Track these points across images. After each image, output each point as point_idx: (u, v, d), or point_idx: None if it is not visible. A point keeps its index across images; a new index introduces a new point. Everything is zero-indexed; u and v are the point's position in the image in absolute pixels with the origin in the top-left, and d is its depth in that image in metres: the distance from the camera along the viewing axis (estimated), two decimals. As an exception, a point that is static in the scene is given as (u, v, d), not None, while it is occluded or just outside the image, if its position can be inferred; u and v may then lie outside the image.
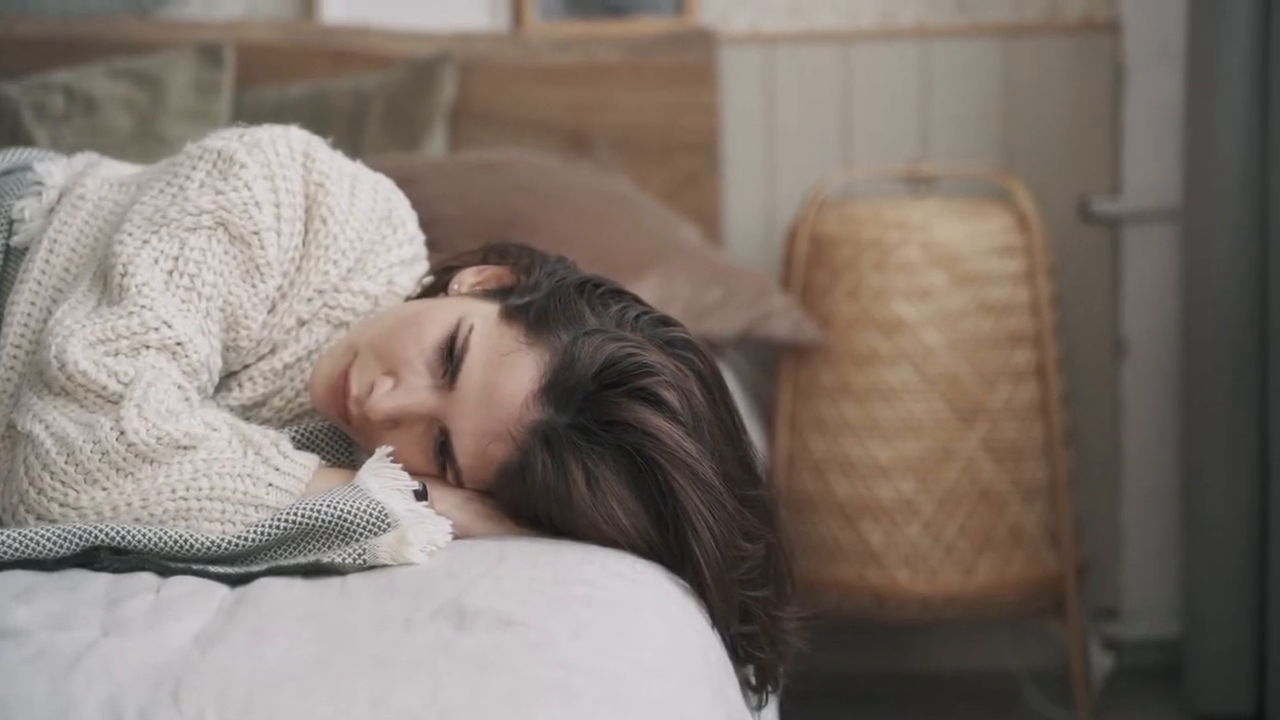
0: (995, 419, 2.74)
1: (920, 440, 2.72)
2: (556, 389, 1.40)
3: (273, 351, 1.55)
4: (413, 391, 1.44)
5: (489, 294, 1.50)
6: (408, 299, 1.57)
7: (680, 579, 1.41)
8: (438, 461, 1.44)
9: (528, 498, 1.41)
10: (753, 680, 1.48)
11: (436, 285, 1.57)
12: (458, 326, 1.44)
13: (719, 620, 1.41)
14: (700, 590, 1.40)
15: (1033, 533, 2.77)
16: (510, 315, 1.45)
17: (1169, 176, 2.91)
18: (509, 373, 1.41)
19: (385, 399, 1.43)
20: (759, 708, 1.49)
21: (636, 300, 1.49)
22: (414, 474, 1.44)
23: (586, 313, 1.44)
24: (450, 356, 1.43)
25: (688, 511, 1.38)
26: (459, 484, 1.44)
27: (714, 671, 1.32)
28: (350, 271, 1.56)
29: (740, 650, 1.45)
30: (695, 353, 1.46)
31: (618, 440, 1.38)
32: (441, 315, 1.47)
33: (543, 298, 1.46)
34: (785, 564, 1.48)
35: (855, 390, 2.74)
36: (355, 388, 1.45)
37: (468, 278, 1.54)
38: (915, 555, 2.72)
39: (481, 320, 1.45)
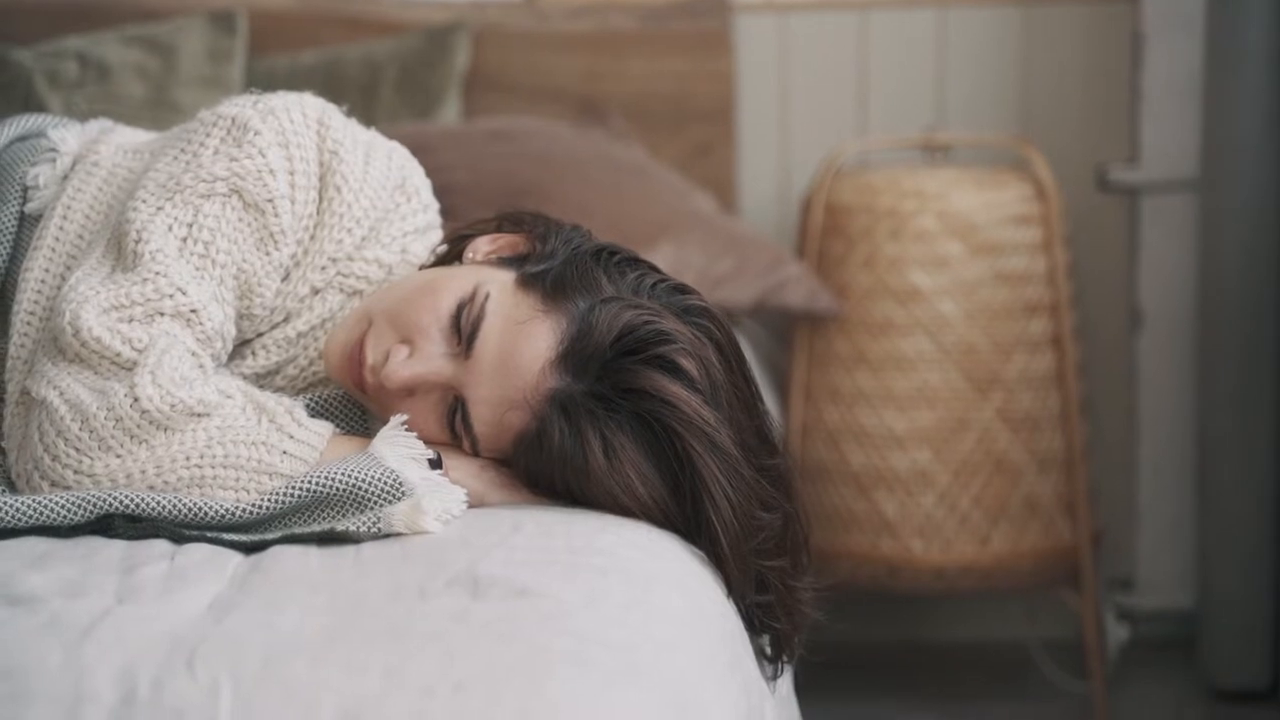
0: (1011, 389, 2.73)
1: (935, 410, 2.71)
2: (574, 356, 1.39)
3: (286, 320, 1.55)
4: (429, 359, 1.43)
5: (504, 262, 1.50)
6: (422, 267, 1.56)
7: (697, 549, 1.41)
8: (453, 430, 1.44)
9: (545, 466, 1.41)
10: (768, 650, 1.48)
11: (451, 254, 1.56)
12: (473, 294, 1.44)
13: (735, 590, 1.40)
14: (717, 560, 1.40)
15: (1048, 503, 2.76)
16: (526, 283, 1.45)
17: (1187, 146, 2.89)
18: (526, 340, 1.41)
19: (401, 367, 1.43)
20: (774, 677, 1.49)
21: (653, 268, 1.48)
22: (429, 442, 1.44)
23: (603, 280, 1.44)
24: (466, 327, 1.43)
25: (705, 480, 1.38)
26: (475, 452, 1.44)
27: (730, 642, 1.31)
28: (364, 240, 1.55)
29: (756, 620, 1.44)
30: (712, 320, 1.45)
31: (635, 408, 1.38)
32: (457, 283, 1.46)
33: (559, 265, 1.45)
34: (801, 534, 1.48)
35: (870, 360, 2.73)
36: (370, 356, 1.45)
37: (482, 246, 1.54)
38: (930, 526, 2.72)
39: (497, 288, 1.44)
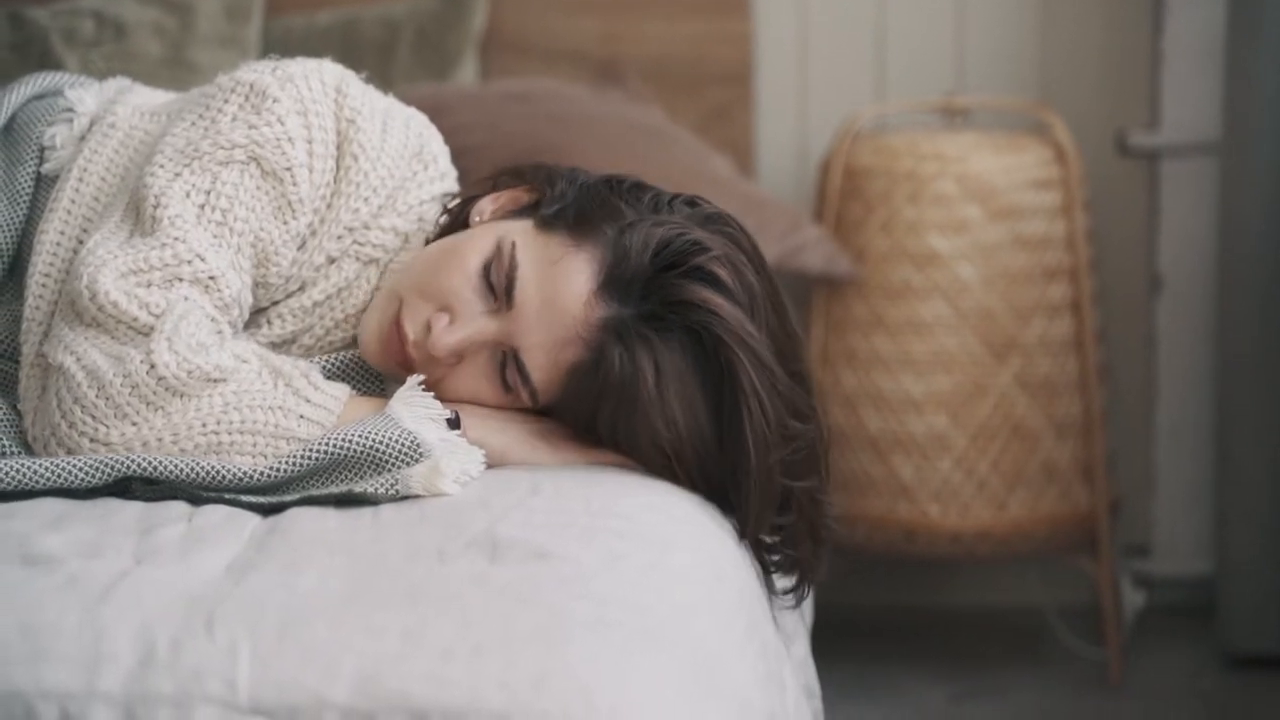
0: (1029, 354, 2.72)
1: (953, 375, 2.70)
2: (616, 282, 1.40)
3: (301, 289, 1.54)
4: (471, 320, 1.43)
5: (514, 214, 1.50)
6: (427, 240, 1.55)
7: (717, 508, 1.41)
8: (507, 385, 1.43)
9: (594, 398, 1.40)
10: (787, 584, 1.48)
11: (455, 222, 1.55)
12: (499, 248, 1.44)
13: (755, 514, 1.40)
14: (742, 477, 1.39)
15: (1065, 469, 2.75)
16: (548, 224, 1.45)
17: (1208, 109, 2.87)
18: (565, 278, 1.41)
19: (446, 334, 1.43)
20: (795, 605, 1.50)
21: (660, 190, 1.49)
22: (478, 404, 1.44)
23: (622, 206, 1.45)
24: (500, 281, 1.42)
25: (744, 390, 1.38)
26: (534, 402, 1.44)
27: (748, 605, 1.31)
28: (381, 209, 1.54)
29: (777, 550, 1.45)
30: (732, 224, 1.47)
31: (684, 321, 1.39)
32: (479, 242, 1.46)
33: (575, 201, 1.46)
34: (823, 450, 1.48)
35: (888, 324, 2.72)
36: (411, 331, 1.44)
37: (487, 206, 1.53)
38: (947, 490, 2.71)
39: (520, 236, 1.45)
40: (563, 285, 1.41)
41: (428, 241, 1.55)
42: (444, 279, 1.45)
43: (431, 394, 1.43)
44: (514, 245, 1.44)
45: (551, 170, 1.52)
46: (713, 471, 1.41)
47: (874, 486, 2.74)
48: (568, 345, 1.41)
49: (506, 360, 1.43)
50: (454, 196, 1.57)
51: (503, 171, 1.56)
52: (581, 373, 1.41)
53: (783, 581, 1.49)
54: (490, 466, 1.41)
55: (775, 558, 1.47)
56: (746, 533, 1.41)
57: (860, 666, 2.79)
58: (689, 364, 1.39)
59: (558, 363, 1.41)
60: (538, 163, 1.56)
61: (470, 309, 1.44)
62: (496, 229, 1.47)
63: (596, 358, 1.39)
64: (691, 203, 1.48)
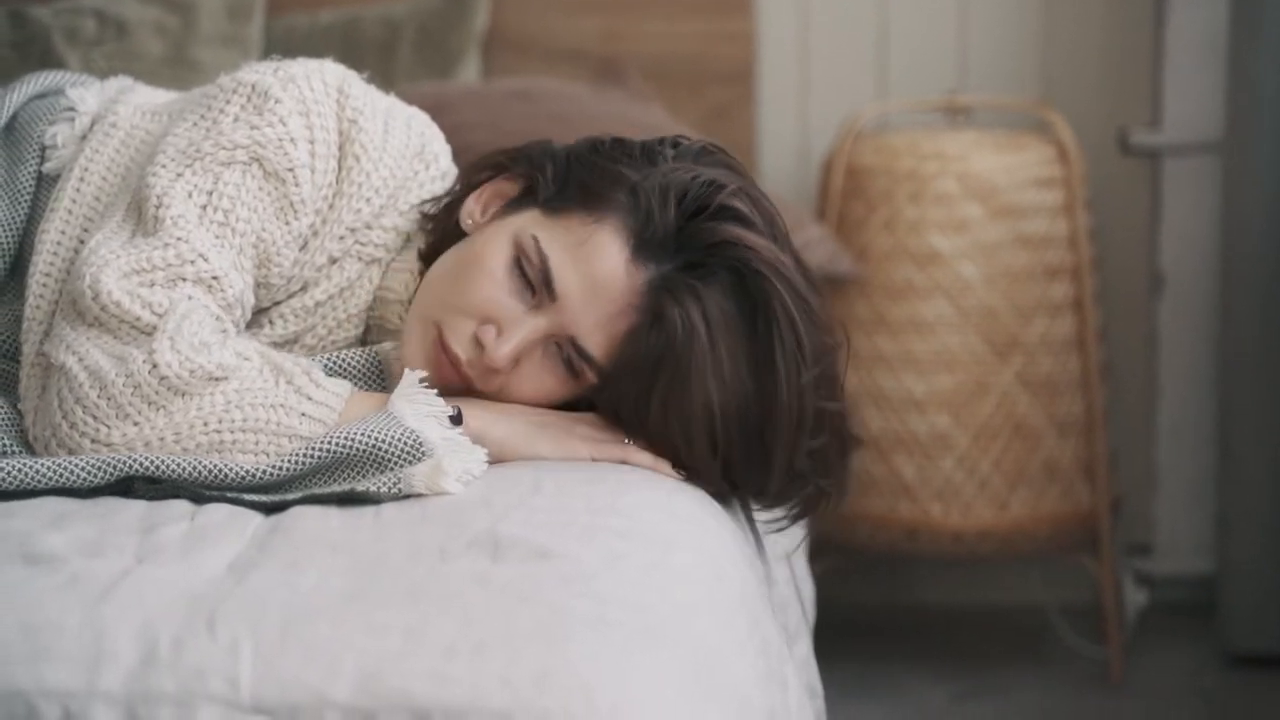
0: (1031, 353, 2.72)
1: (955, 374, 2.70)
2: (649, 243, 1.41)
3: (303, 289, 1.54)
4: (520, 324, 1.43)
5: (510, 207, 1.49)
6: (420, 251, 1.55)
7: (721, 505, 1.41)
8: (573, 371, 1.44)
9: (650, 365, 1.40)
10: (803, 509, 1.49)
11: (447, 234, 1.54)
12: (520, 245, 1.44)
13: (793, 442, 1.40)
14: (777, 414, 1.39)
15: (1067, 468, 2.75)
16: (555, 208, 1.45)
17: (1211, 108, 2.87)
18: (597, 254, 1.41)
19: (500, 344, 1.43)
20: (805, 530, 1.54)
21: (640, 140, 1.49)
22: (544, 400, 1.45)
23: (620, 168, 1.44)
24: (536, 276, 1.42)
25: (781, 321, 1.39)
26: (599, 379, 1.44)
27: (749, 604, 1.31)
28: (383, 209, 1.54)
29: (808, 479, 1.45)
30: (724, 154, 1.48)
31: (724, 262, 1.40)
32: (493, 246, 1.45)
33: (571, 178, 1.45)
34: (846, 361, 1.49)
35: (890, 323, 2.72)
36: (462, 352, 1.44)
37: (474, 206, 1.52)
38: (949, 490, 2.71)
39: (534, 228, 1.44)
40: (598, 262, 1.41)
41: (420, 253, 1.54)
42: (475, 291, 1.44)
43: (435, 391, 1.42)
44: (535, 238, 1.43)
45: (528, 154, 1.51)
46: (751, 425, 1.41)
47: (876, 486, 2.74)
48: (620, 317, 1.41)
49: (563, 349, 1.44)
50: (431, 202, 1.56)
51: (471, 167, 1.55)
52: (638, 337, 1.41)
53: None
54: (490, 458, 1.41)
55: (790, 507, 1.47)
56: (781, 471, 1.42)
57: (862, 666, 2.79)
58: (733, 305, 1.39)
59: (613, 336, 1.42)
60: (505, 150, 1.54)
61: (513, 313, 1.43)
62: (505, 228, 1.46)
63: (651, 319, 1.40)
64: (676, 143, 1.48)
